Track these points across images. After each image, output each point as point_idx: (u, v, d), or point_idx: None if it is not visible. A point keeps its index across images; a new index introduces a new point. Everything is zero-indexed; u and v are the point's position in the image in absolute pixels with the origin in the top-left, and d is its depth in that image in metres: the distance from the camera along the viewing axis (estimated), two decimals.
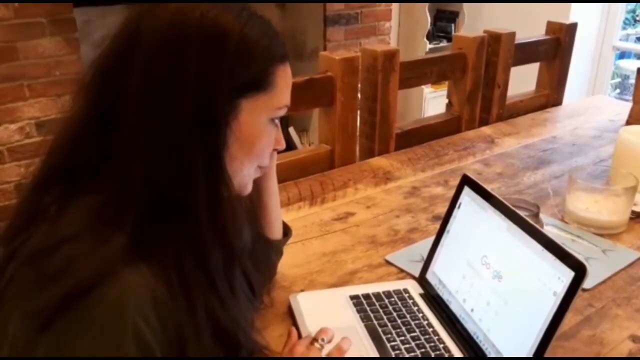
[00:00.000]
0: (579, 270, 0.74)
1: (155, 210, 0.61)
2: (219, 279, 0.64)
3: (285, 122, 3.42)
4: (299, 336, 0.88)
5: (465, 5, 3.63)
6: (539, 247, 0.81)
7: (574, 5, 3.16)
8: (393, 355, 0.86)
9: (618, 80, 3.93)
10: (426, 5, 3.51)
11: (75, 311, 0.54)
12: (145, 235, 0.59)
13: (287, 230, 1.04)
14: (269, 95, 0.69)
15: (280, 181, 1.45)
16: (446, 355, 0.86)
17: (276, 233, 0.98)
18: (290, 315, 0.95)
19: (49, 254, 0.57)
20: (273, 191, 0.96)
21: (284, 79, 0.70)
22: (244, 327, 0.68)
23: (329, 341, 0.84)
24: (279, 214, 0.98)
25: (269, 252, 0.97)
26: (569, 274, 0.75)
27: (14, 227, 0.64)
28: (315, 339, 0.84)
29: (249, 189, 0.75)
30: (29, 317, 0.55)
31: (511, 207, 0.88)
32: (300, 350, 0.82)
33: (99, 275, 0.55)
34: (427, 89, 3.58)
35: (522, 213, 0.89)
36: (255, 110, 0.68)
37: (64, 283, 0.54)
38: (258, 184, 0.92)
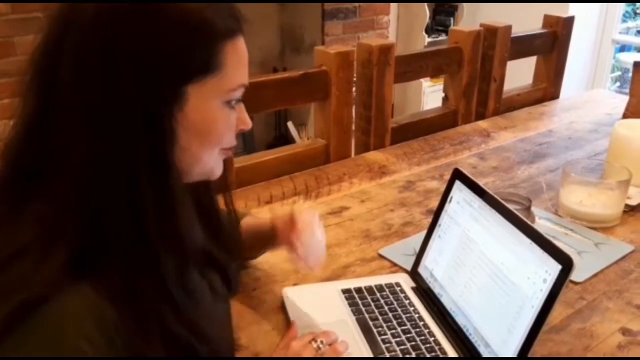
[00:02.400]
0: (566, 263, 0.74)
1: (97, 220, 0.55)
2: (171, 285, 0.60)
3: (283, 116, 3.43)
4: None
5: None
6: (527, 241, 0.81)
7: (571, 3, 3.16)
8: (384, 349, 0.86)
9: (618, 73, 3.92)
10: None
11: (15, 336, 0.51)
12: (87, 248, 0.55)
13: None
14: (219, 78, 0.61)
15: (275, 175, 1.47)
16: (436, 347, 0.87)
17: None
18: (283, 309, 0.95)
19: None
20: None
21: (235, 56, 0.62)
22: (202, 330, 0.63)
23: (329, 344, 0.83)
24: None
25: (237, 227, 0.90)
26: (556, 267, 0.75)
27: None
28: (314, 339, 0.82)
29: (217, 172, 0.68)
30: None
31: (501, 200, 0.89)
32: (295, 346, 0.81)
33: (37, 299, 0.52)
34: (425, 83, 3.58)
35: (513, 207, 0.89)
36: (203, 97, 0.60)
37: (3, 306, 0.51)
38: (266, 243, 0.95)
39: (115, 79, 0.55)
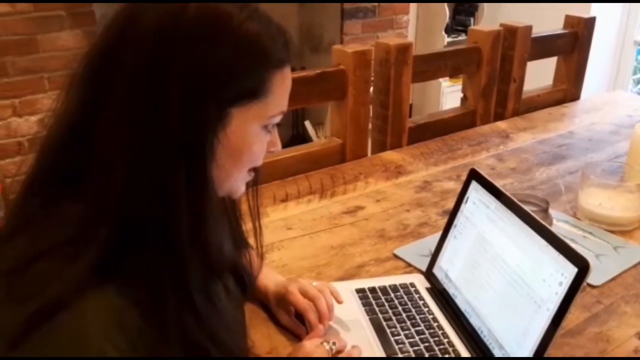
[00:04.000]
0: (583, 266, 0.73)
1: (131, 226, 0.56)
2: (197, 294, 0.60)
3: (301, 115, 3.43)
4: (306, 329, 0.88)
5: None
6: (543, 243, 0.80)
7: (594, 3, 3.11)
8: (397, 349, 0.86)
9: (639, 75, 3.85)
10: None
11: (39, 335, 0.51)
12: (117, 253, 0.55)
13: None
14: (263, 103, 0.63)
15: (291, 174, 1.47)
16: (450, 349, 0.86)
17: None
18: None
19: (20, 271, 0.55)
20: None
21: (282, 86, 0.65)
22: (221, 340, 0.64)
23: (340, 347, 0.83)
24: None
25: None
26: (572, 270, 0.74)
27: (6, 229, 0.61)
28: (327, 340, 0.82)
29: (240, 191, 0.71)
30: (0, 334, 0.53)
31: (517, 202, 0.88)
32: (308, 346, 0.80)
33: (64, 298, 0.52)
34: (444, 83, 3.56)
35: (530, 208, 0.89)
36: (246, 119, 0.62)
37: (29, 305, 0.52)
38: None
39: (166, 95, 0.56)
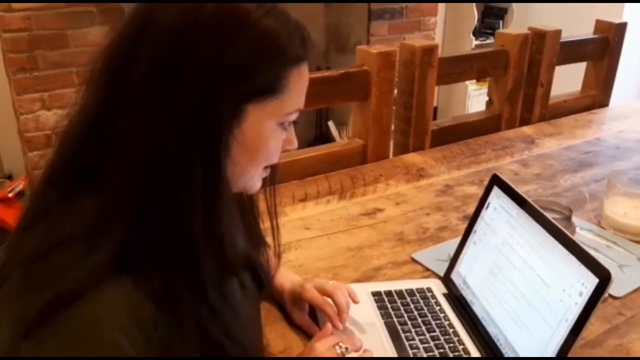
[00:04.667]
0: (604, 277, 0.71)
1: (147, 219, 0.57)
2: (211, 289, 0.61)
3: (325, 115, 3.43)
4: (320, 328, 0.88)
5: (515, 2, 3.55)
6: (564, 252, 0.78)
7: (627, 4, 3.05)
8: (411, 354, 0.85)
9: None
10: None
11: (54, 323, 0.52)
12: (133, 245, 0.56)
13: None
14: (280, 100, 0.63)
15: (311, 174, 1.47)
16: (464, 356, 0.85)
17: None
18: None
19: (38, 260, 0.56)
20: None
21: (298, 82, 0.64)
22: (236, 336, 0.64)
23: (354, 351, 0.81)
24: None
25: None
26: (593, 281, 0.72)
27: (24, 220, 0.63)
28: (339, 344, 0.80)
29: (256, 188, 0.71)
30: (15, 323, 0.54)
31: (539, 209, 0.86)
32: (319, 348, 0.79)
33: (80, 288, 0.53)
34: (471, 86, 3.52)
35: (553, 216, 0.87)
36: (262, 116, 0.62)
37: (46, 293, 0.53)
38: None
39: (182, 90, 0.57)
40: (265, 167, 0.69)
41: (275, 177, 0.76)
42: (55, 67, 2.34)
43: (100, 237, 0.55)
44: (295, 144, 0.71)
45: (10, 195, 2.13)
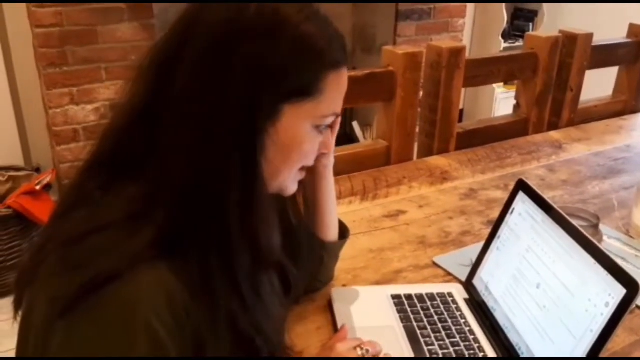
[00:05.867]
0: (632, 287, 0.69)
1: (187, 208, 0.59)
2: (243, 282, 0.62)
3: (349, 115, 3.42)
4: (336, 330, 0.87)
5: (546, 4, 3.49)
6: (591, 261, 0.76)
7: None
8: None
9: None
10: (503, 3, 3.40)
11: (90, 303, 0.53)
12: (173, 232, 0.58)
13: (344, 233, 0.97)
14: (316, 102, 0.64)
15: (335, 174, 1.45)
16: None
17: (330, 235, 0.93)
18: (330, 309, 0.94)
19: (78, 241, 0.57)
20: (328, 192, 0.90)
21: (336, 86, 0.66)
22: (266, 331, 0.65)
23: (373, 355, 0.81)
24: (334, 216, 0.93)
25: (319, 252, 0.93)
26: (620, 291, 0.70)
27: (62, 207, 0.65)
28: (360, 346, 0.80)
29: (291, 190, 0.72)
30: (52, 301, 0.55)
31: (566, 216, 0.84)
32: (340, 349, 0.79)
33: (118, 270, 0.54)
34: (498, 89, 3.48)
35: (579, 223, 0.85)
36: (297, 117, 0.64)
37: (84, 273, 0.54)
38: (313, 184, 0.89)
39: (224, 87, 0.59)
40: (301, 170, 0.70)
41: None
42: (84, 62, 2.37)
43: (142, 222, 0.58)
44: (332, 147, 0.73)
45: (38, 188, 2.17)
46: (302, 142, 0.66)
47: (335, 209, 0.94)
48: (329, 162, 0.88)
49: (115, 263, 0.55)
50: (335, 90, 0.66)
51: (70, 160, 2.44)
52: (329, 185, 0.91)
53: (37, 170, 2.42)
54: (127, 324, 0.54)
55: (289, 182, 0.70)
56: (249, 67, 0.59)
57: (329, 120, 0.68)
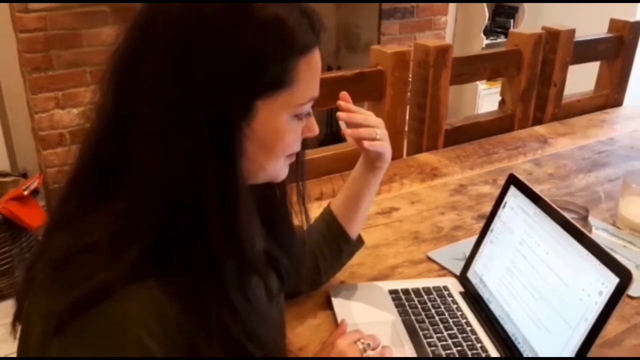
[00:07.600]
0: (625, 276, 0.72)
1: (168, 221, 0.57)
2: (232, 290, 0.61)
3: (335, 114, 3.42)
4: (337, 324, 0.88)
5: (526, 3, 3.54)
6: (583, 251, 0.79)
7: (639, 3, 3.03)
8: (429, 352, 0.86)
9: None
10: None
11: (81, 322, 0.53)
12: (158, 247, 0.57)
13: (360, 240, 1.01)
14: (290, 93, 0.61)
15: (326, 173, 1.47)
16: (483, 355, 0.86)
17: (355, 231, 0.97)
18: (329, 306, 0.96)
19: (65, 262, 0.57)
20: (372, 191, 0.96)
21: (309, 72, 0.62)
22: (259, 336, 0.64)
23: (373, 349, 0.80)
24: (365, 215, 0.98)
25: (339, 244, 0.96)
26: (613, 280, 0.73)
27: (51, 223, 0.64)
28: (360, 340, 0.80)
29: (282, 176, 0.70)
30: (45, 317, 0.55)
31: (557, 209, 0.87)
32: (341, 344, 0.79)
33: (107, 289, 0.53)
34: (481, 86, 3.51)
35: (569, 216, 0.87)
36: (273, 111, 0.61)
37: (74, 293, 0.54)
38: (363, 178, 0.95)
39: (189, 95, 0.55)
40: (288, 157, 0.68)
41: (303, 174, 0.76)
42: (69, 66, 2.36)
43: (126, 240, 0.56)
44: (316, 130, 0.69)
45: (26, 193, 2.15)
46: (284, 134, 0.63)
47: (368, 209, 0.97)
48: (384, 164, 0.93)
49: (105, 282, 0.54)
50: (309, 75, 0.62)
51: (56, 164, 2.43)
52: (376, 184, 0.95)
53: (24, 175, 2.40)
54: (119, 342, 0.53)
55: (278, 171, 0.68)
56: (213, 70, 0.55)
57: (307, 107, 0.64)
